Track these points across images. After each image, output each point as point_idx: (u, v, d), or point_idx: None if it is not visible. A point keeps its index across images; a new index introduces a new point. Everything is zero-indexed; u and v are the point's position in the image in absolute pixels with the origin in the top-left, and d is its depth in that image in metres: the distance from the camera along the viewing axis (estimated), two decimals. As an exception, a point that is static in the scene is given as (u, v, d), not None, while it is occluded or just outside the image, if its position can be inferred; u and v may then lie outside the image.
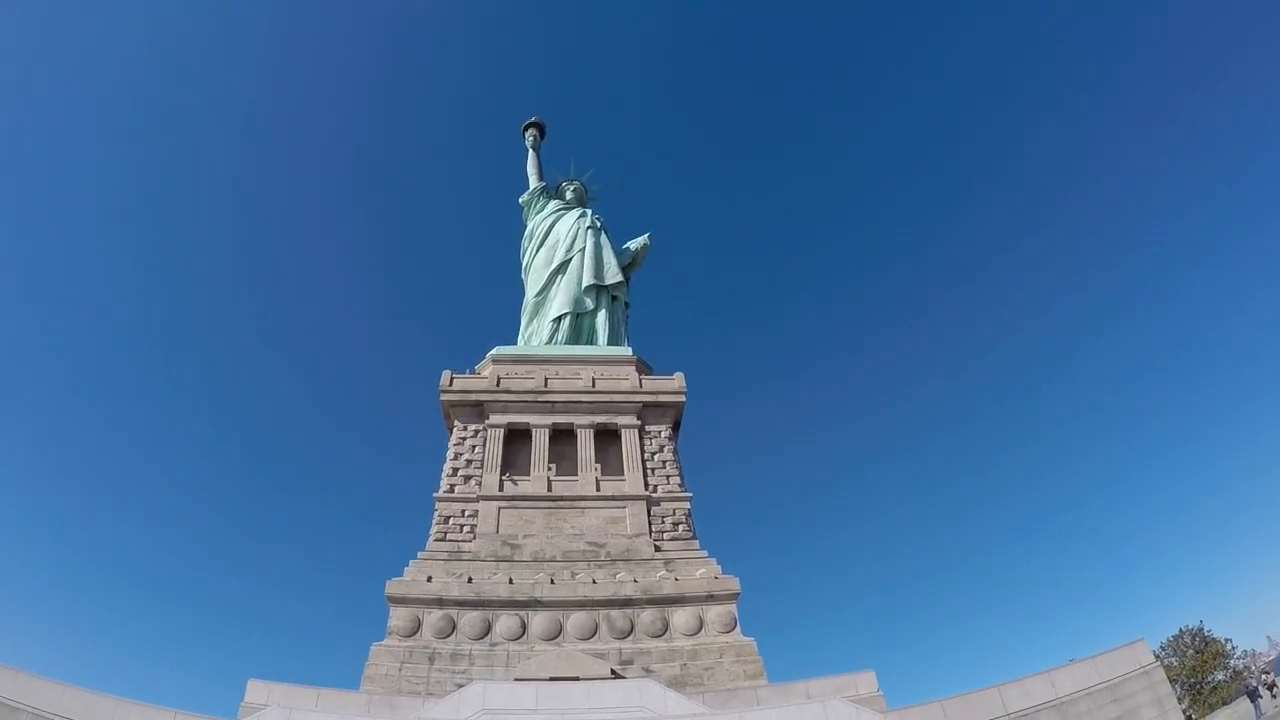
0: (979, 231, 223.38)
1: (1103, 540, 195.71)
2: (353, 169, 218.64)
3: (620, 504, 47.65)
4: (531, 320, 61.03)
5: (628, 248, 65.72)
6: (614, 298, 61.36)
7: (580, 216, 64.89)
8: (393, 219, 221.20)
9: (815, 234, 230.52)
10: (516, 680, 33.97)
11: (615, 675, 36.11)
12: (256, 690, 32.36)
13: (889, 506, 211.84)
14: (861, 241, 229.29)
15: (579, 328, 59.45)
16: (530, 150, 71.95)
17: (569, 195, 68.70)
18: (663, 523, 47.25)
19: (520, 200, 68.93)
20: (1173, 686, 35.07)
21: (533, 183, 69.43)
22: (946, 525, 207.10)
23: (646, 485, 48.67)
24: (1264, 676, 72.09)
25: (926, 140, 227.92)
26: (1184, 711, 36.24)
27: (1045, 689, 31.13)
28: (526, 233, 66.29)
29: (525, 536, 45.69)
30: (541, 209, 66.96)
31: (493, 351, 55.70)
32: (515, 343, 59.86)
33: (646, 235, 66.52)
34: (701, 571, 43.13)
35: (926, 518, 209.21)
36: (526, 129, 72.88)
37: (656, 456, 50.56)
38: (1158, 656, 44.53)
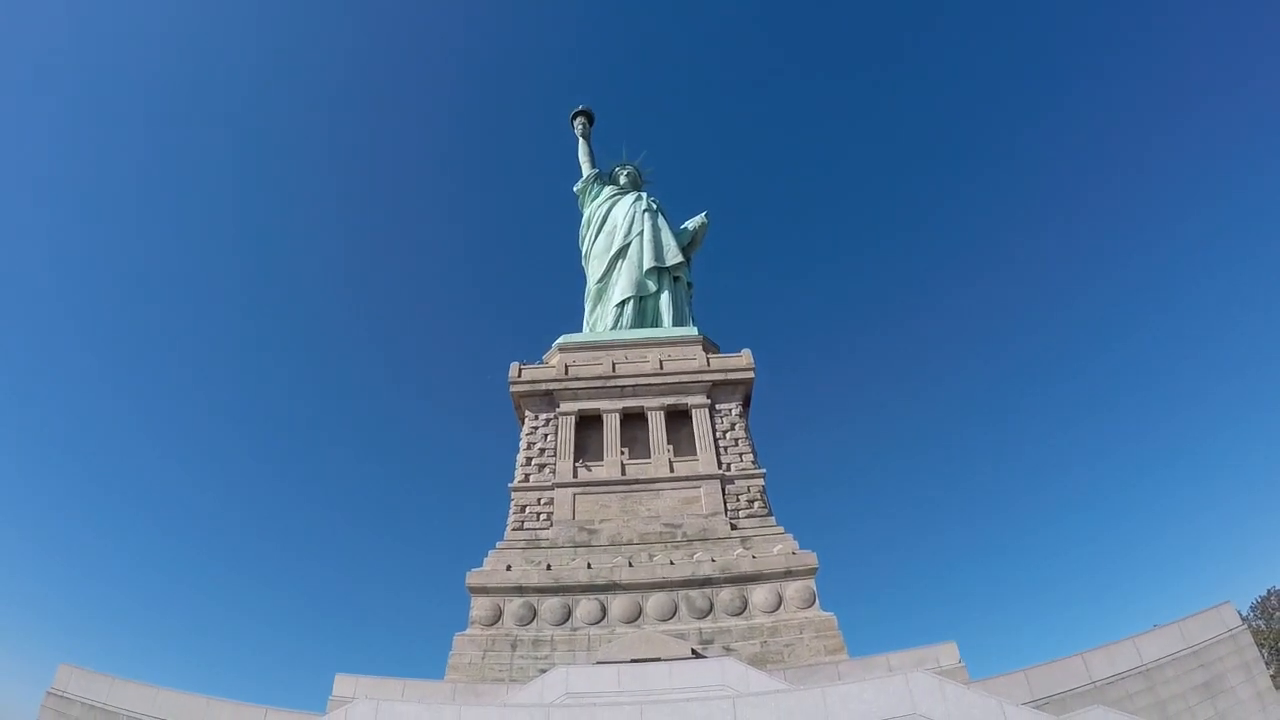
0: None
1: (1182, 499, 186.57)
2: (401, 162, 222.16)
3: (694, 484, 47.63)
4: (595, 306, 61.46)
5: (686, 227, 65.38)
6: (676, 278, 61.23)
7: (636, 200, 64.77)
8: (448, 215, 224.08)
9: (879, 191, 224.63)
10: (598, 663, 34.38)
11: (696, 655, 36.25)
12: (344, 684, 33.61)
13: (961, 473, 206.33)
14: (932, 196, 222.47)
15: (643, 311, 59.56)
16: (580, 138, 72.52)
17: (623, 180, 68.63)
18: (738, 500, 47.04)
19: (575, 189, 69.49)
20: (1260, 651, 33.45)
21: (585, 170, 69.86)
22: (1020, 489, 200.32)
23: (720, 464, 48.53)
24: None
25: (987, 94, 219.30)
26: (1273, 676, 34.55)
27: (1131, 655, 30.04)
28: (584, 220, 66.74)
29: (601, 521, 46.12)
30: (597, 195, 67.29)
31: (559, 340, 56.29)
32: (580, 330, 60.35)
33: (704, 214, 66.07)
34: (779, 548, 42.87)
35: (998, 483, 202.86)
36: (575, 117, 73.53)
37: (728, 435, 50.34)
38: (1245, 620, 42.52)
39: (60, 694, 33.46)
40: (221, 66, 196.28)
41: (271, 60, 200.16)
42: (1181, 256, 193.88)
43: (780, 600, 40.47)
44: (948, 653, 34.00)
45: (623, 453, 49.49)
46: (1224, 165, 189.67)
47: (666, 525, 45.52)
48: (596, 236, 63.74)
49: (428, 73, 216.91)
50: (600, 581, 41.44)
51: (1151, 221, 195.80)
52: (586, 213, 66.78)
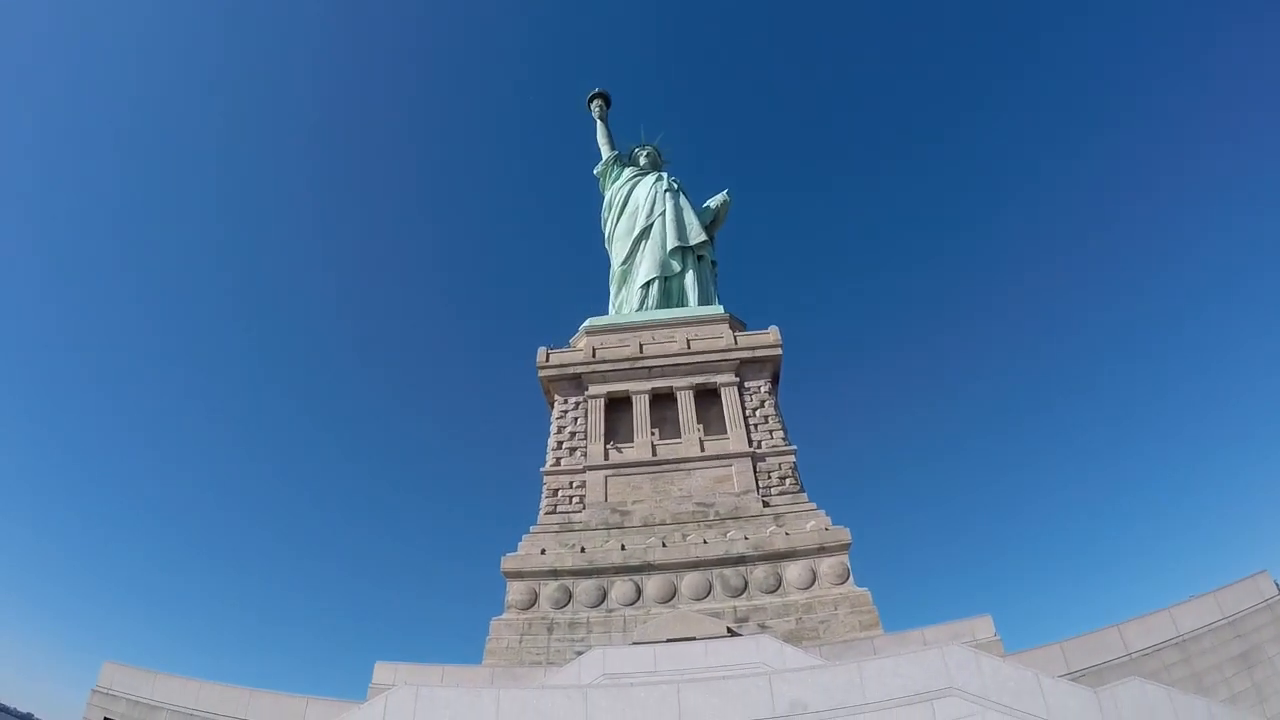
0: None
1: (1217, 470, 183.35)
2: (422, 152, 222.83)
3: (725, 462, 47.59)
4: (620, 289, 61.54)
5: (708, 206, 65.02)
6: (700, 257, 61.00)
7: (657, 180, 64.59)
8: (474, 204, 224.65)
9: (905, 169, 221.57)
10: (634, 644, 34.67)
11: (731, 633, 36.41)
12: (383, 671, 34.20)
13: (994, 449, 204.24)
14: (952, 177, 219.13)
15: (668, 291, 59.47)
16: (598, 121, 72.40)
17: (643, 160, 68.51)
18: (769, 478, 46.95)
19: (595, 172, 69.56)
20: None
21: (605, 152, 69.80)
22: (1053, 463, 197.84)
23: (750, 442, 48.41)
24: None
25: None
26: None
27: (1167, 627, 29.69)
28: (605, 203, 66.68)
29: (634, 502, 46.30)
30: (617, 177, 67.16)
31: (585, 323, 56.43)
32: (606, 313, 60.45)
33: (725, 191, 65.61)
34: (811, 524, 42.82)
35: (1031, 458, 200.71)
36: (592, 100, 73.30)
37: (758, 412, 50.20)
38: (1282, 588, 41.67)
39: (105, 691, 34.26)
40: (242, 65, 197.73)
41: (300, 50, 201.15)
42: (1234, 252, 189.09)
43: (814, 577, 40.45)
44: (983, 626, 33.81)
45: (653, 433, 49.58)
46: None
47: (699, 504, 45.61)
48: (618, 219, 63.69)
49: (446, 57, 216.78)
50: (634, 562, 41.67)
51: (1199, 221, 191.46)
52: (607, 195, 66.71)
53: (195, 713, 32.15)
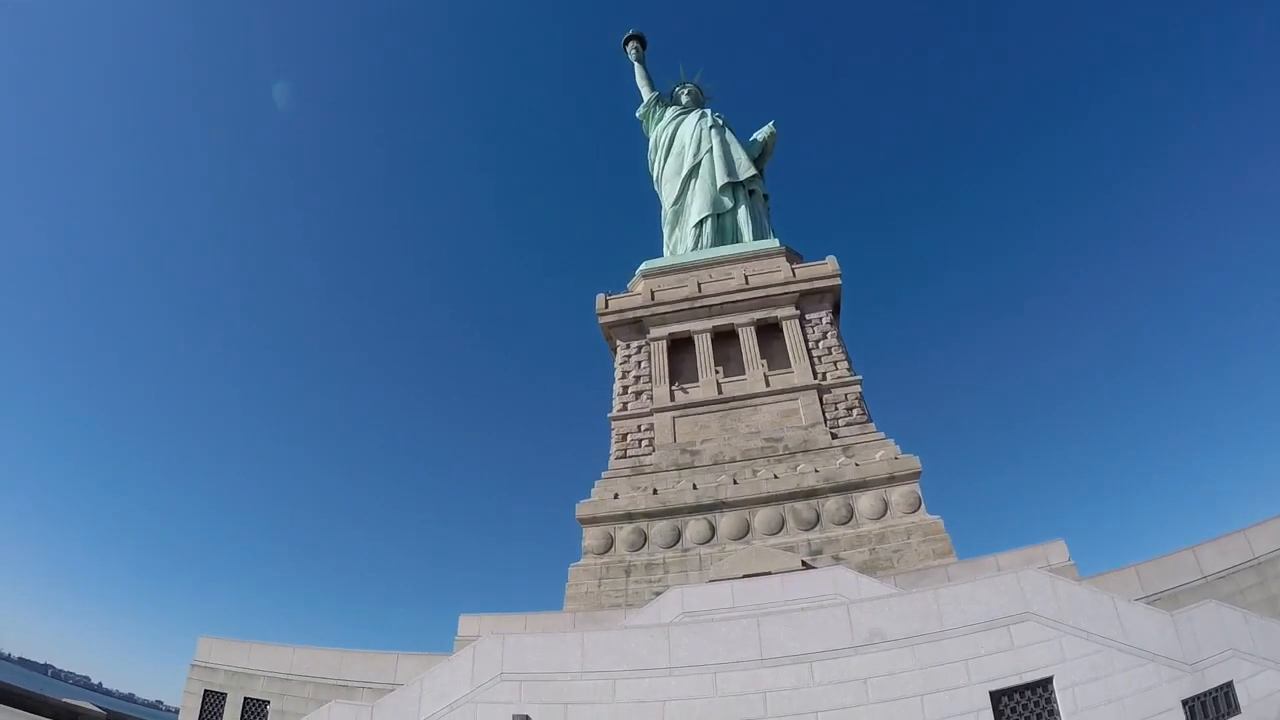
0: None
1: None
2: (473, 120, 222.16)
3: (791, 396, 47.59)
4: (673, 229, 61.17)
5: (755, 139, 63.79)
6: (751, 192, 60.17)
7: (701, 118, 63.72)
8: (530, 165, 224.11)
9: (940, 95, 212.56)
10: (711, 581, 35.36)
11: (806, 566, 36.88)
12: (468, 623, 35.57)
13: (1059, 379, 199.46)
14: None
15: (721, 228, 58.95)
16: (635, 63, 71.65)
17: (684, 99, 67.51)
18: (836, 409, 46.80)
19: (637, 114, 68.85)
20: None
21: (645, 94, 69.10)
22: (1117, 389, 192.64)
23: (815, 374, 48.23)
24: None
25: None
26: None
27: (1242, 548, 28.90)
28: (650, 144, 66.08)
29: (703, 441, 46.79)
30: (660, 118, 66.44)
31: (642, 267, 56.49)
32: (660, 255, 60.27)
33: (771, 123, 64.25)
34: (881, 454, 42.77)
35: (1090, 388, 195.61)
36: (627, 42, 72.40)
37: (821, 344, 49.86)
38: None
39: (203, 664, 36.11)
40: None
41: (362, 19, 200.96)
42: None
43: (886, 506, 40.57)
44: (1056, 551, 33.49)
45: (717, 372, 49.75)
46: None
47: (767, 440, 45.85)
48: (666, 159, 63.11)
49: (499, 9, 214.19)
50: (706, 501, 42.32)
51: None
52: (652, 137, 66.10)
53: (292, 676, 33.92)
